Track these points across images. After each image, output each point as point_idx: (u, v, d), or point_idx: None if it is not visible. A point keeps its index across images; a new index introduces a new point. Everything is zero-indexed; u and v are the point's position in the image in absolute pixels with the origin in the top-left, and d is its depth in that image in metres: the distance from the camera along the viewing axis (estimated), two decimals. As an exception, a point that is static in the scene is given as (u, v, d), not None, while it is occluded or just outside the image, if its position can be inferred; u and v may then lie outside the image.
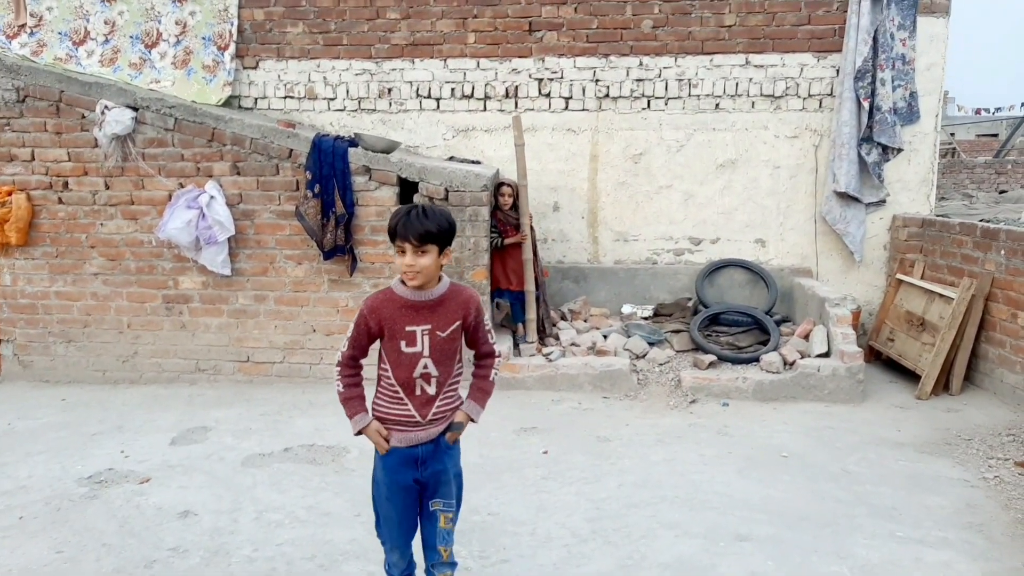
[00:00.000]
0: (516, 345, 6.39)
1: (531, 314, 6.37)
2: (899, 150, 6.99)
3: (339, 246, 5.96)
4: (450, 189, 5.89)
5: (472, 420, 2.94)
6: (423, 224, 2.60)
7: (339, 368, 2.85)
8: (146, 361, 6.40)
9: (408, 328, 2.73)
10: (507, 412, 5.64)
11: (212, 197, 6.05)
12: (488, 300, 6.11)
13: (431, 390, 2.80)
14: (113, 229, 6.31)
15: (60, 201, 6.33)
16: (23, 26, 7.25)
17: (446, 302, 2.78)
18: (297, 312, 6.23)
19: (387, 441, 2.80)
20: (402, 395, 2.79)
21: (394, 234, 2.64)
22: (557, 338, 6.48)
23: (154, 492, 4.39)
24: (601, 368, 6.00)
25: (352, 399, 2.84)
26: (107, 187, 6.27)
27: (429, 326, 2.74)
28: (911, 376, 6.32)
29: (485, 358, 2.99)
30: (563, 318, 6.87)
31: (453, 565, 2.98)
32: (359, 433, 2.84)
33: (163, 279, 6.32)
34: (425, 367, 2.76)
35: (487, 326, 2.94)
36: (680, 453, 4.91)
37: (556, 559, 3.66)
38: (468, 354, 2.93)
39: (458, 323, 2.79)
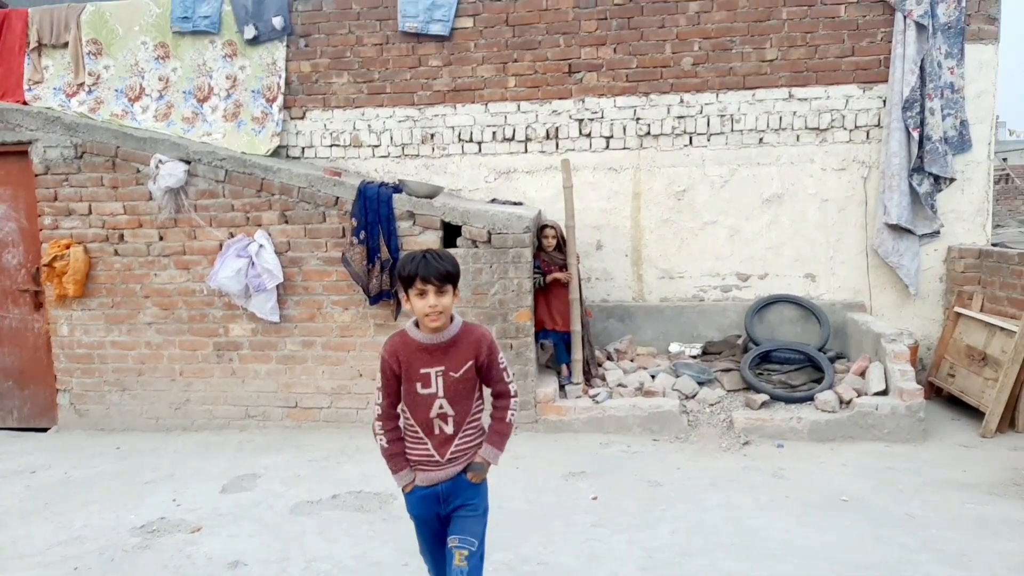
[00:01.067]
0: (562, 387, 6.33)
1: (577, 355, 6.31)
2: (952, 180, 6.81)
3: (384, 291, 6.01)
4: (493, 232, 5.90)
5: (490, 463, 2.98)
6: (442, 264, 2.72)
7: (380, 423, 2.92)
8: (198, 408, 6.50)
9: (423, 370, 2.81)
10: (554, 456, 5.57)
11: (261, 246, 6.17)
12: (533, 341, 6.07)
13: (449, 429, 2.88)
14: (166, 279, 6.46)
15: (116, 253, 6.51)
16: (81, 85, 7.54)
17: (459, 342, 2.85)
18: (344, 357, 6.27)
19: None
20: (422, 435, 2.89)
21: (413, 278, 2.71)
22: (603, 379, 6.39)
23: (205, 541, 4.41)
24: (650, 409, 5.89)
25: (396, 455, 2.93)
26: (161, 238, 6.44)
27: (443, 367, 2.82)
28: (974, 413, 6.08)
29: (501, 398, 3.00)
30: (609, 358, 6.79)
31: None
32: (404, 489, 2.96)
33: (214, 327, 6.43)
34: (441, 407, 2.84)
35: (502, 364, 2.96)
36: (735, 498, 4.77)
37: (609, 611, 3.56)
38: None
39: (471, 363, 2.86)
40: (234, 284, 6.14)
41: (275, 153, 7.47)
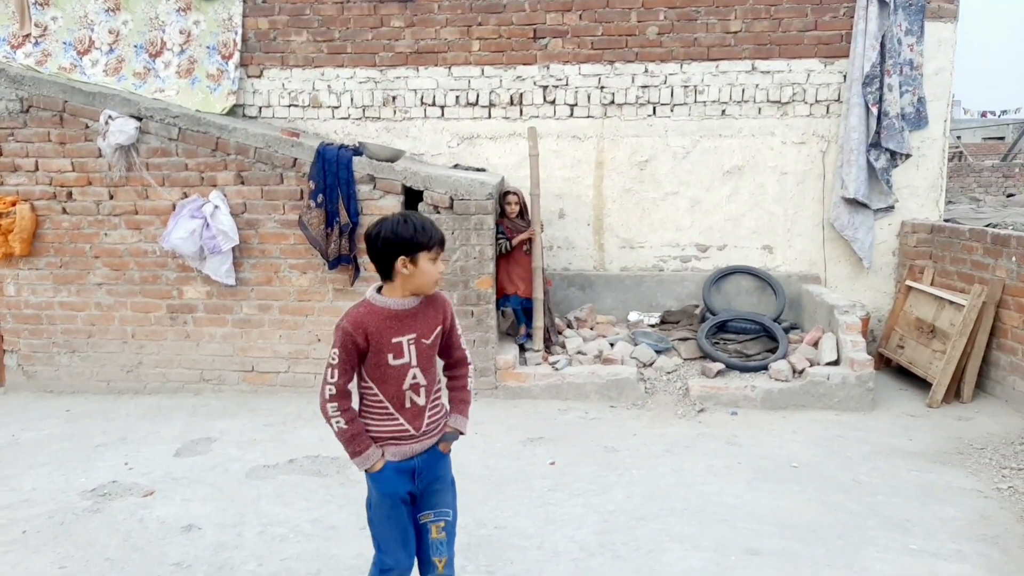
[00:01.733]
0: (522, 349, 6.35)
1: (538, 322, 6.33)
2: (907, 156, 6.93)
3: (343, 255, 5.93)
4: (455, 198, 5.85)
5: (462, 432, 2.87)
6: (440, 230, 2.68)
7: (334, 403, 2.61)
8: (150, 371, 6.38)
9: (394, 340, 2.62)
10: (513, 422, 5.60)
11: (216, 207, 6.03)
12: (494, 308, 6.06)
13: (420, 400, 2.70)
14: (117, 239, 6.29)
15: (64, 211, 6.31)
16: (27, 36, 7.24)
17: (427, 307, 2.72)
18: (302, 321, 6.20)
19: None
20: (392, 410, 2.67)
21: (430, 244, 2.60)
22: (563, 346, 6.43)
23: (158, 505, 4.35)
24: (608, 377, 5.95)
25: (358, 435, 2.64)
26: (111, 197, 6.26)
27: (415, 334, 2.66)
28: (922, 384, 6.25)
29: (459, 366, 2.89)
30: (569, 326, 6.82)
31: (450, 569, 2.84)
32: (369, 470, 2.67)
33: (167, 289, 6.30)
34: (414, 377, 2.66)
35: (459, 330, 2.87)
36: (689, 464, 4.85)
37: (564, 574, 3.60)
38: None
39: (439, 328, 2.74)
40: (188, 246, 6.00)
41: (231, 112, 7.29)
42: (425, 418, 2.71)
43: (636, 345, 6.38)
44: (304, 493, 4.48)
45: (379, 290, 2.68)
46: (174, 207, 6.14)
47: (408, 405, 2.68)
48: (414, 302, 2.67)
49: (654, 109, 7.09)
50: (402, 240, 2.57)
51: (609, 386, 5.94)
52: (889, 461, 4.93)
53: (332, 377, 2.61)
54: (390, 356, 2.61)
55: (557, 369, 6.04)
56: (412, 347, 2.65)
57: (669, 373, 6.14)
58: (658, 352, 6.33)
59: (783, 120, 7.02)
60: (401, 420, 2.68)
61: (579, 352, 6.31)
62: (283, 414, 5.82)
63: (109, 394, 6.41)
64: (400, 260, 2.58)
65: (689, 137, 7.10)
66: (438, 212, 5.88)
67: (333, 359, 2.61)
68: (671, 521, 4.10)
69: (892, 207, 7.03)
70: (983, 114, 27.25)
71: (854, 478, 4.66)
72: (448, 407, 2.89)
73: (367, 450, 2.64)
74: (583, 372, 6.00)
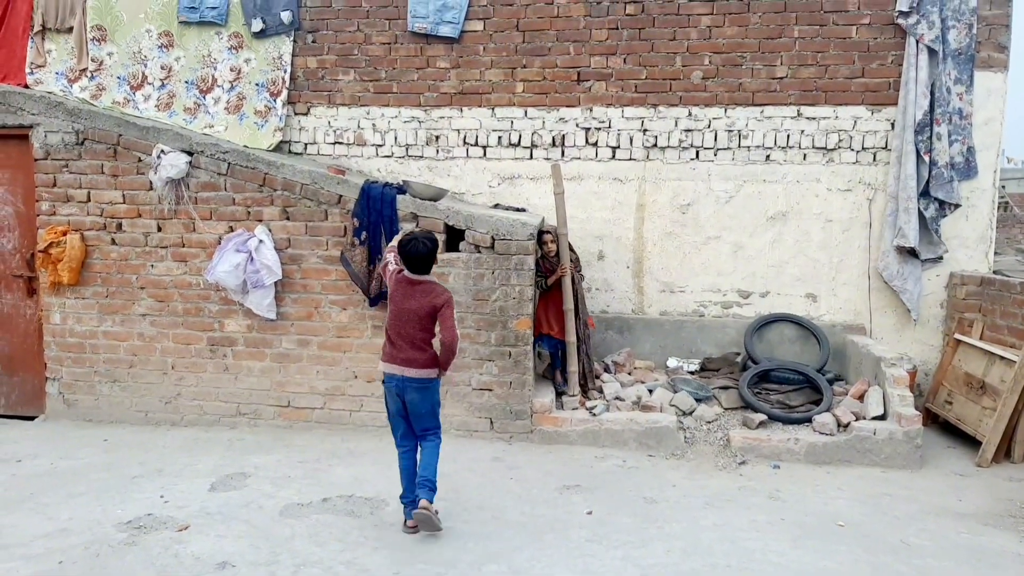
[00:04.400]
0: (559, 394, 6.28)
1: (573, 366, 6.26)
2: (956, 206, 6.80)
3: (384, 292, 5.94)
4: (496, 237, 5.85)
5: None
6: (428, 247, 4.43)
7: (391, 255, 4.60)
8: (188, 403, 6.41)
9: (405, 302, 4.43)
10: (549, 468, 5.51)
11: (261, 241, 6.10)
12: (531, 350, 6.02)
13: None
14: (163, 271, 6.38)
15: (113, 242, 6.43)
16: (84, 70, 7.46)
17: (428, 290, 4.42)
18: (340, 358, 6.21)
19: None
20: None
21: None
22: (601, 391, 6.34)
23: (192, 540, 4.34)
24: (647, 424, 5.85)
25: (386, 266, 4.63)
26: (159, 229, 6.37)
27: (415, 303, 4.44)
28: (970, 441, 6.06)
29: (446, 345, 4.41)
30: (607, 370, 6.74)
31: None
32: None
33: (209, 321, 6.36)
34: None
35: (454, 322, 4.41)
36: (731, 518, 4.72)
37: (603, 630, 3.50)
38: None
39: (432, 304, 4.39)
40: (232, 279, 6.06)
41: (277, 148, 7.41)
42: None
43: (676, 392, 6.27)
44: (338, 533, 4.44)
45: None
46: (220, 241, 6.22)
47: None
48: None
49: (697, 153, 7.06)
50: (404, 251, 4.43)
51: (648, 434, 5.84)
52: (938, 522, 4.76)
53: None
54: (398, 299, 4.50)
55: (595, 415, 5.95)
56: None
57: (709, 423, 6.01)
58: (698, 400, 6.22)
59: (829, 167, 6.94)
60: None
61: (617, 398, 6.22)
62: (318, 451, 5.80)
63: (147, 425, 6.45)
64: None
65: (732, 182, 7.04)
66: (479, 251, 5.88)
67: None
68: (713, 578, 3.98)
69: (941, 258, 6.88)
70: (1028, 163, 26.81)
71: (902, 539, 4.50)
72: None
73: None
74: (621, 419, 5.90)
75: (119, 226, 6.42)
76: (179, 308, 6.38)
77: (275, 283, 6.15)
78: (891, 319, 7.00)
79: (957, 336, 6.53)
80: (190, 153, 6.27)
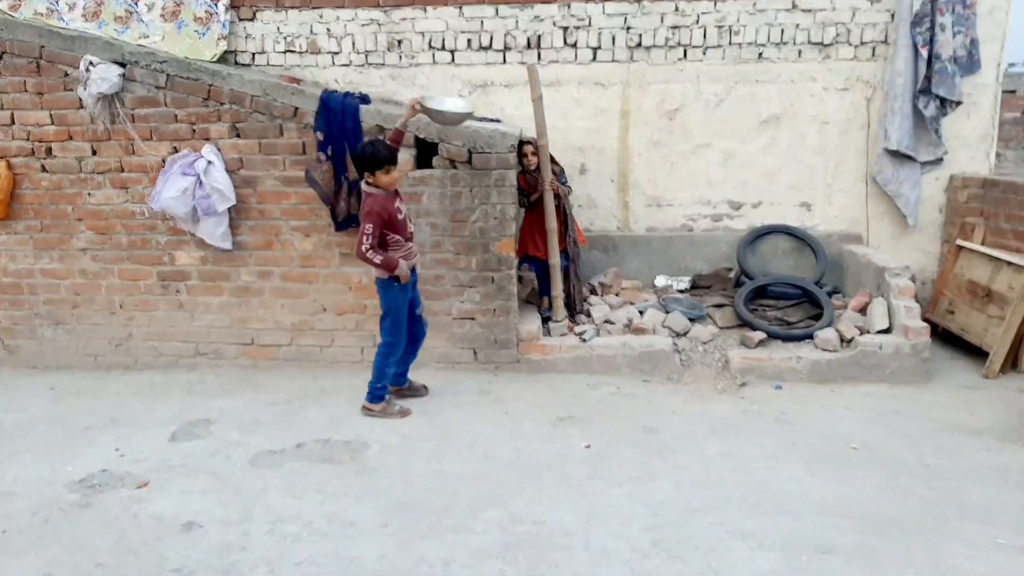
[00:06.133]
0: (544, 320, 5.86)
1: (556, 290, 5.80)
2: (958, 103, 6.37)
3: (353, 215, 5.40)
4: (474, 151, 5.31)
5: None
6: (394, 152, 4.65)
7: (370, 251, 4.49)
8: (141, 345, 5.88)
9: (397, 204, 4.64)
10: (540, 399, 5.15)
11: (210, 162, 5.48)
12: (515, 274, 5.56)
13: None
14: (102, 199, 5.74)
15: (43, 169, 5.76)
16: (-2, -23, 6.57)
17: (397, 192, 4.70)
18: (306, 290, 5.69)
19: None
20: (408, 244, 4.71)
21: (385, 162, 4.49)
22: (588, 315, 5.94)
23: (154, 498, 3.91)
24: (641, 348, 5.48)
25: (388, 257, 4.55)
26: (94, 153, 5.70)
27: (400, 202, 4.69)
28: (974, 352, 5.81)
29: None
30: (593, 292, 6.32)
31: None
32: (403, 279, 4.66)
33: (158, 254, 5.77)
34: (411, 222, 4.81)
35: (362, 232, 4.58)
36: (738, 446, 4.41)
37: (617, 579, 3.18)
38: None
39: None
40: (180, 206, 5.46)
41: (222, 59, 6.66)
42: (415, 242, 4.85)
43: (668, 313, 5.89)
44: (316, 483, 4.04)
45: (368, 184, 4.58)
46: (163, 163, 5.59)
47: (412, 239, 4.77)
48: (390, 189, 4.62)
49: (685, 52, 6.49)
50: (372, 159, 4.51)
51: (642, 358, 5.48)
52: (955, 440, 4.51)
53: (368, 243, 4.48)
54: (399, 215, 4.62)
55: (585, 341, 5.56)
56: (403, 206, 4.73)
57: (705, 343, 5.66)
58: (692, 320, 5.85)
59: (825, 64, 6.43)
60: (413, 246, 4.77)
61: (606, 321, 5.83)
62: (287, 392, 5.35)
63: (97, 370, 5.92)
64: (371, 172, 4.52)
65: (723, 83, 6.51)
66: (454, 167, 5.34)
67: (369, 230, 4.47)
68: (729, 513, 3.67)
69: (941, 160, 6.49)
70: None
71: (921, 460, 4.24)
72: None
73: (399, 265, 4.59)
74: (613, 344, 5.52)
75: (49, 151, 5.73)
76: (123, 241, 5.77)
77: (229, 209, 5.56)
78: (888, 227, 6.66)
79: (959, 242, 6.21)
80: (123, 65, 5.55)
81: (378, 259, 4.48)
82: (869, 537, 3.46)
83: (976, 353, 5.78)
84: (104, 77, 5.48)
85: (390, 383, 4.94)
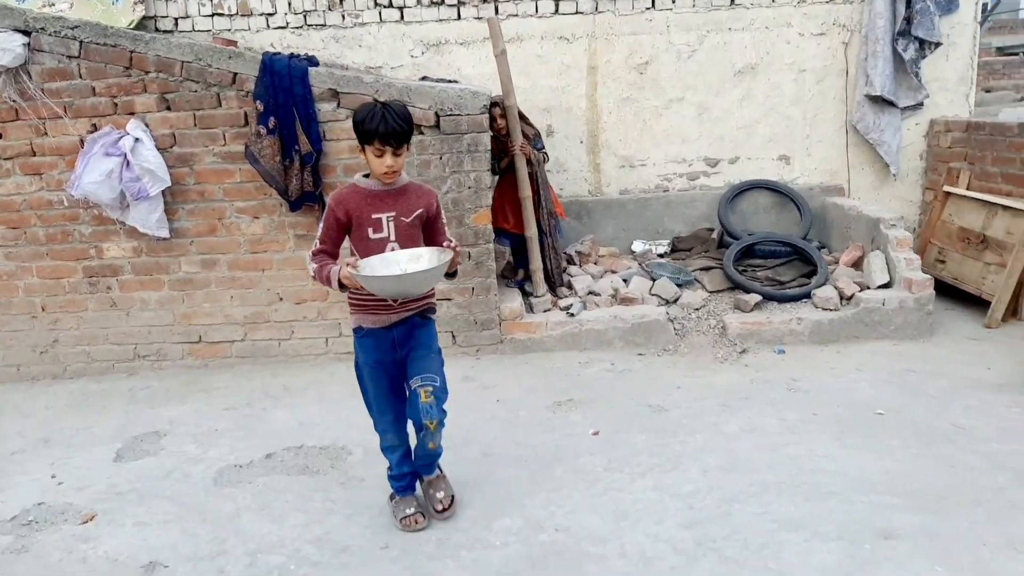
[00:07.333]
0: (525, 294, 5.40)
1: (535, 263, 5.35)
2: (937, 44, 6.11)
3: (307, 192, 4.80)
4: (441, 114, 4.76)
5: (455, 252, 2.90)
6: (401, 124, 2.76)
7: (313, 257, 2.95)
8: (69, 350, 5.18)
9: (374, 215, 2.90)
10: (531, 381, 4.69)
11: (137, 140, 4.78)
12: (493, 248, 5.06)
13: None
14: (12, 188, 4.99)
15: (-63, 157, 4.97)
16: None
17: (408, 192, 2.96)
18: (258, 278, 5.08)
19: (353, 267, 2.76)
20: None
21: (372, 136, 2.74)
22: (570, 287, 5.50)
23: (103, 535, 3.31)
24: (633, 320, 5.07)
25: (323, 266, 2.89)
26: (0, 136, 4.94)
27: (393, 212, 2.91)
28: (969, 301, 5.60)
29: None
30: (570, 262, 5.88)
31: (441, 434, 3.13)
32: (340, 285, 2.83)
33: (82, 247, 5.06)
34: (393, 251, 2.91)
35: (444, 219, 3.10)
36: (757, 420, 4.05)
37: (667, 590, 2.76)
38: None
39: (421, 210, 2.95)
40: (105, 191, 4.76)
41: (139, 27, 5.93)
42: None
43: (654, 280, 5.49)
44: (296, 501, 3.50)
45: (366, 175, 2.95)
46: (82, 143, 4.87)
47: None
48: (395, 184, 2.93)
49: (653, 1, 6.04)
50: (356, 125, 2.80)
51: (635, 330, 5.07)
52: (979, 397, 4.23)
53: (315, 245, 2.95)
54: (370, 230, 2.91)
55: (572, 315, 5.12)
56: (391, 223, 2.91)
57: (698, 310, 5.29)
58: (679, 286, 5.47)
59: (800, 8, 6.08)
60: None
61: (591, 292, 5.40)
62: (246, 393, 4.76)
63: (20, 381, 5.20)
64: (359, 147, 2.85)
65: (694, 32, 6.10)
66: (421, 132, 4.78)
67: (319, 230, 2.95)
68: (770, 500, 3.29)
69: (921, 104, 6.25)
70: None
71: (952, 423, 3.94)
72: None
73: (330, 270, 2.85)
74: (604, 316, 5.09)
75: (-57, 135, 4.94)
76: (40, 234, 5.04)
77: (163, 192, 4.89)
78: (868, 176, 6.40)
79: (947, 188, 5.97)
80: (27, 32, 4.79)
81: (311, 267, 2.95)
82: (928, 516, 3.12)
83: (970, 302, 5.57)
84: (5, 47, 4.72)
85: (396, 485, 3.28)
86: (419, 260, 2.88)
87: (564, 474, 3.60)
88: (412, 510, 3.19)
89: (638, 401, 4.35)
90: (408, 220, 2.92)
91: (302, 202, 4.82)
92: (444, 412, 3.10)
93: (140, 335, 5.18)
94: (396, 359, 3.06)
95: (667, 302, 5.34)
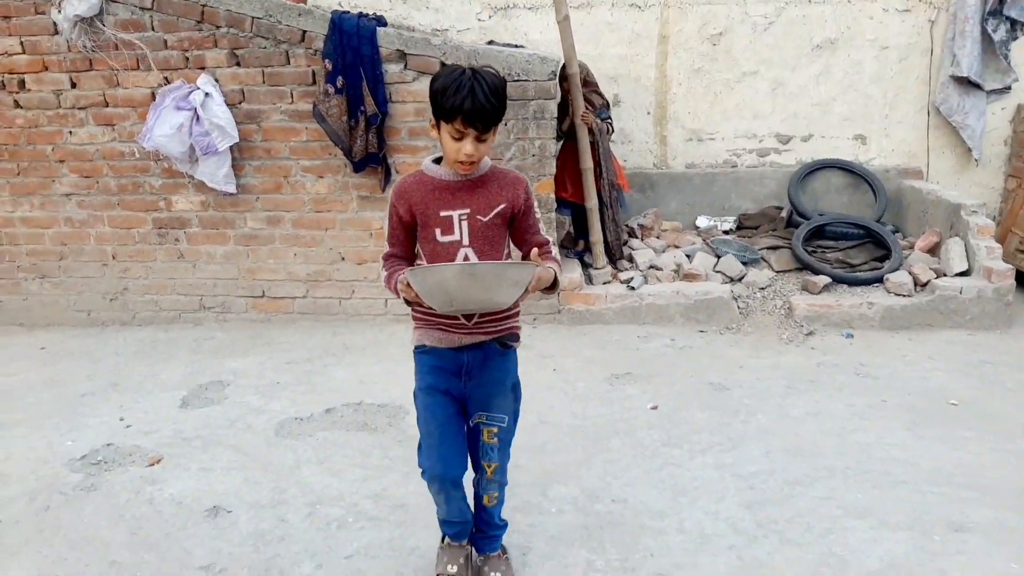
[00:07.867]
0: (585, 265, 5.34)
1: (596, 235, 5.27)
2: (1030, 24, 5.80)
3: (371, 154, 4.80)
4: (509, 78, 4.69)
5: (556, 275, 2.32)
6: (492, 104, 2.07)
7: (383, 263, 2.40)
8: (139, 299, 5.30)
9: (443, 213, 2.27)
10: (589, 353, 4.64)
11: (207, 95, 4.83)
12: (555, 217, 5.01)
13: None
14: (85, 138, 5.10)
15: (17, 105, 5.09)
16: None
17: (488, 182, 2.30)
18: (321, 237, 5.11)
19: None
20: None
21: (454, 114, 2.07)
22: (631, 260, 5.42)
23: (170, 478, 3.38)
24: (696, 296, 4.97)
25: (392, 273, 2.32)
26: (73, 85, 5.02)
27: (468, 210, 2.27)
28: (1049, 294, 5.37)
29: (542, 247, 2.38)
30: (632, 235, 5.79)
31: (502, 485, 2.59)
32: (403, 292, 2.24)
33: (152, 199, 5.16)
34: (466, 258, 2.27)
35: (537, 214, 2.41)
36: (823, 404, 3.94)
37: (726, 569, 2.70)
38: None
39: (503, 206, 2.30)
40: (175, 144, 4.83)
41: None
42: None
43: (719, 257, 5.38)
44: (355, 456, 3.53)
45: (438, 160, 2.32)
46: (154, 96, 4.93)
47: None
48: (473, 173, 2.28)
49: (731, -31, 5.86)
50: (433, 95, 2.13)
51: (697, 307, 4.98)
52: (1059, 394, 4.06)
53: (386, 247, 2.40)
54: (438, 231, 2.28)
55: (633, 288, 5.04)
56: (464, 223, 2.27)
57: (763, 289, 5.17)
58: (745, 264, 5.34)
59: (886, -20, 5.83)
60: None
61: (652, 267, 5.31)
62: (307, 349, 4.82)
63: (91, 327, 5.35)
64: (431, 120, 2.20)
65: (772, 4, 5.89)
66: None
67: (386, 230, 2.41)
68: (836, 486, 3.20)
69: (1008, 88, 5.94)
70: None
71: (1030, 417, 3.79)
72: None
73: (393, 277, 2.29)
74: (665, 291, 5.00)
75: (22, 83, 5.05)
76: (112, 185, 5.14)
77: (231, 148, 4.94)
78: (948, 161, 6.13)
79: (1033, 176, 5.70)
80: (103, -18, 4.86)
81: (382, 274, 2.39)
82: (1003, 511, 3.01)
83: (1052, 296, 5.33)
84: (82, -4, 4.79)
85: (445, 529, 2.68)
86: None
87: (621, 447, 3.56)
88: (454, 569, 2.60)
89: (699, 378, 4.28)
90: (486, 219, 2.27)
91: (366, 163, 4.81)
92: (507, 456, 2.56)
93: (206, 287, 5.27)
94: (461, 391, 2.43)
95: (731, 280, 5.23)
